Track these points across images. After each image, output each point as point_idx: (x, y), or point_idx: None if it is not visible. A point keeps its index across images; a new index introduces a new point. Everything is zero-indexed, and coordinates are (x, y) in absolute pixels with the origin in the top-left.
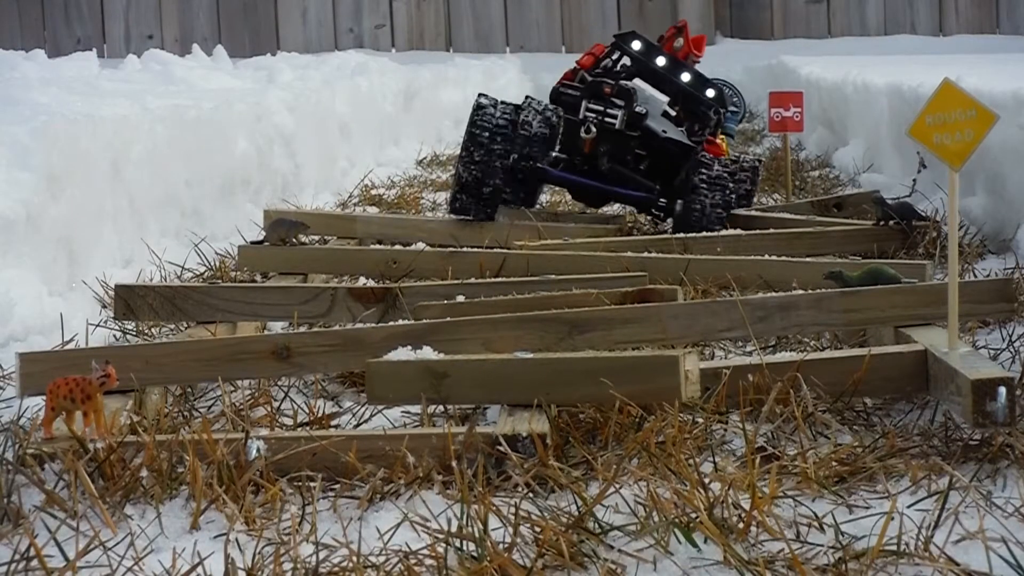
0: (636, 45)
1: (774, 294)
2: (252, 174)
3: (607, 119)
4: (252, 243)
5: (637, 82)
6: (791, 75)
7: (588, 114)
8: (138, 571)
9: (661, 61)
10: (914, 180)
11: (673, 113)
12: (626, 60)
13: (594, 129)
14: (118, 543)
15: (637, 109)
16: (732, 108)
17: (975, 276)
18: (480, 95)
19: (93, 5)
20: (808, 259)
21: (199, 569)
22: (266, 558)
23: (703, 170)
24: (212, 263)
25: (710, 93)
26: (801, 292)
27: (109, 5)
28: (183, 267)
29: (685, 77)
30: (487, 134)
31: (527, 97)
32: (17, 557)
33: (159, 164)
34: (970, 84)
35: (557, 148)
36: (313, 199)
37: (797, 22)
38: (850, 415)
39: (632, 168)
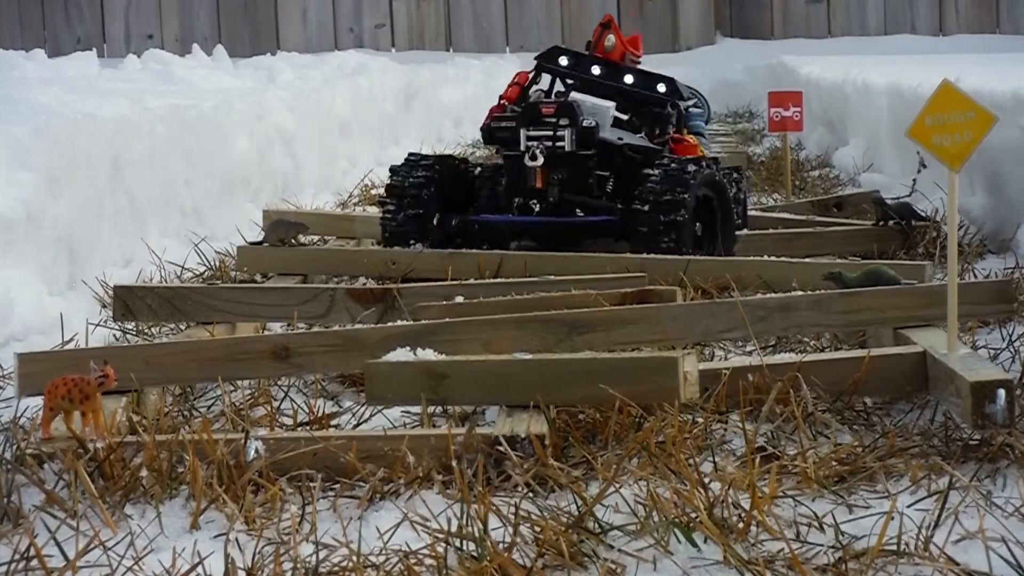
0: (563, 60)
1: (774, 295)
2: (252, 174)
3: (556, 143)
4: (252, 243)
5: (576, 95)
6: (791, 75)
7: (531, 144)
8: (138, 571)
9: (596, 69)
10: (914, 180)
11: (624, 118)
12: (558, 82)
13: (540, 156)
14: (118, 543)
15: (585, 123)
16: (695, 110)
17: (975, 276)
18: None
19: (93, 5)
20: (808, 260)
21: (199, 569)
22: (266, 558)
23: (652, 170)
24: (212, 263)
25: (660, 88)
26: (801, 293)
27: (109, 5)
28: (183, 267)
29: (628, 79)
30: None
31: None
32: (17, 557)
33: (159, 164)
34: (970, 84)
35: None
36: (313, 199)
37: (797, 22)
38: (850, 415)
39: (597, 194)
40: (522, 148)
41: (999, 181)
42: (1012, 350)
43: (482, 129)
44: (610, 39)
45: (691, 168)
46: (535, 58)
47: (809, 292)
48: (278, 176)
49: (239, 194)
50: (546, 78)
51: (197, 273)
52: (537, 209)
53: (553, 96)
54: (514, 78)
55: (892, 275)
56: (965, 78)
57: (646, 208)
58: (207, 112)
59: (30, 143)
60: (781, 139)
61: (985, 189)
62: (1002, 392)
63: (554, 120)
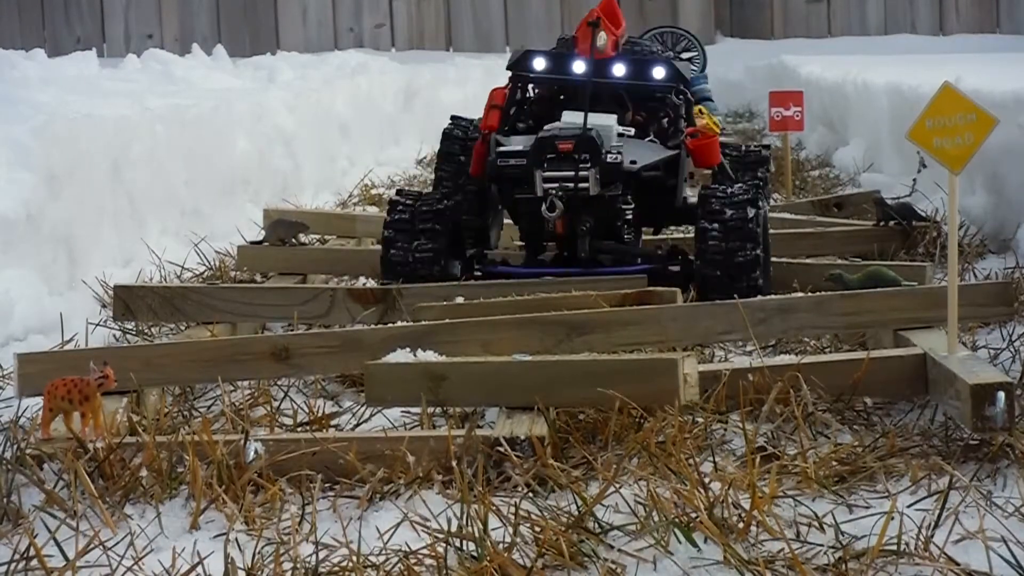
0: (539, 64)
1: (774, 296)
2: (252, 174)
3: (579, 185)
4: (252, 243)
5: (566, 116)
6: (791, 75)
7: (548, 187)
8: (138, 571)
9: (580, 67)
10: (914, 180)
11: (631, 132)
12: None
13: (559, 204)
14: (118, 543)
15: (610, 159)
16: (691, 67)
17: (975, 275)
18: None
19: (93, 5)
20: (808, 260)
21: (199, 569)
22: (266, 558)
23: (709, 204)
24: (212, 263)
25: (659, 73)
26: (801, 295)
27: (109, 5)
28: (183, 267)
29: (619, 70)
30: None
31: (452, 118)
32: (17, 557)
33: (159, 164)
34: (970, 84)
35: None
36: (313, 199)
37: (797, 22)
38: (850, 415)
39: (625, 231)
40: (538, 193)
41: (999, 181)
42: (1012, 350)
43: (488, 164)
44: (601, 38)
45: (752, 213)
46: (507, 67)
47: (809, 294)
48: (278, 176)
49: (239, 194)
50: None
51: (197, 273)
52: (565, 256)
53: (533, 104)
54: (489, 100)
55: (893, 277)
56: (965, 78)
57: (716, 270)
58: (207, 112)
59: (30, 143)
60: (782, 139)
61: (985, 189)
62: (1002, 395)
63: (575, 156)
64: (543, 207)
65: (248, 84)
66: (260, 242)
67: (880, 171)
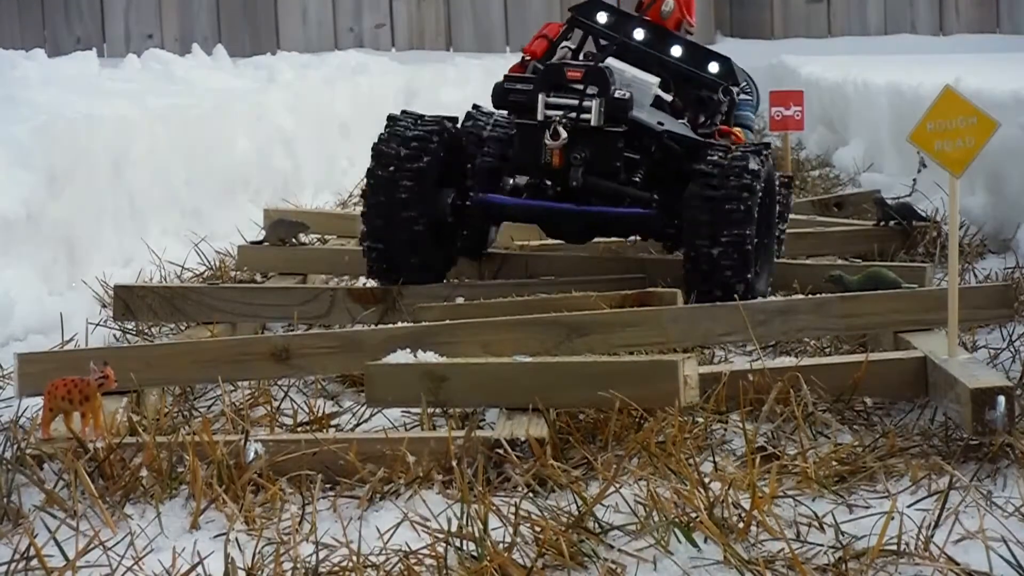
0: (602, 17)
1: (775, 298)
2: (252, 174)
3: (581, 115)
4: (252, 243)
5: (612, 62)
6: (791, 75)
7: (550, 112)
8: (138, 571)
9: (640, 34)
10: (914, 180)
11: (668, 98)
12: (591, 42)
13: (563, 132)
14: (118, 543)
15: (618, 95)
16: (744, 96)
17: (975, 276)
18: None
19: (93, 5)
20: (808, 260)
21: (199, 569)
22: (266, 558)
23: (711, 154)
24: (212, 263)
25: (713, 68)
26: (801, 296)
27: (109, 5)
28: (183, 267)
29: (676, 51)
30: (392, 167)
31: (474, 106)
32: (17, 557)
33: (159, 164)
34: (970, 84)
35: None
36: (313, 199)
37: (797, 22)
38: (850, 415)
39: (624, 180)
40: (539, 117)
41: (999, 181)
42: (1012, 350)
43: (495, 87)
44: (668, 3)
45: (753, 166)
46: (569, 8)
47: (809, 295)
48: (278, 176)
49: (239, 194)
50: (578, 36)
51: (197, 273)
52: (558, 191)
53: (583, 58)
54: (542, 29)
55: (893, 278)
56: (965, 78)
57: (703, 215)
58: (207, 112)
59: (30, 143)
60: (782, 138)
61: (985, 189)
62: (1002, 399)
63: (581, 87)
64: (546, 134)
65: (248, 84)
66: (260, 242)
67: (880, 171)
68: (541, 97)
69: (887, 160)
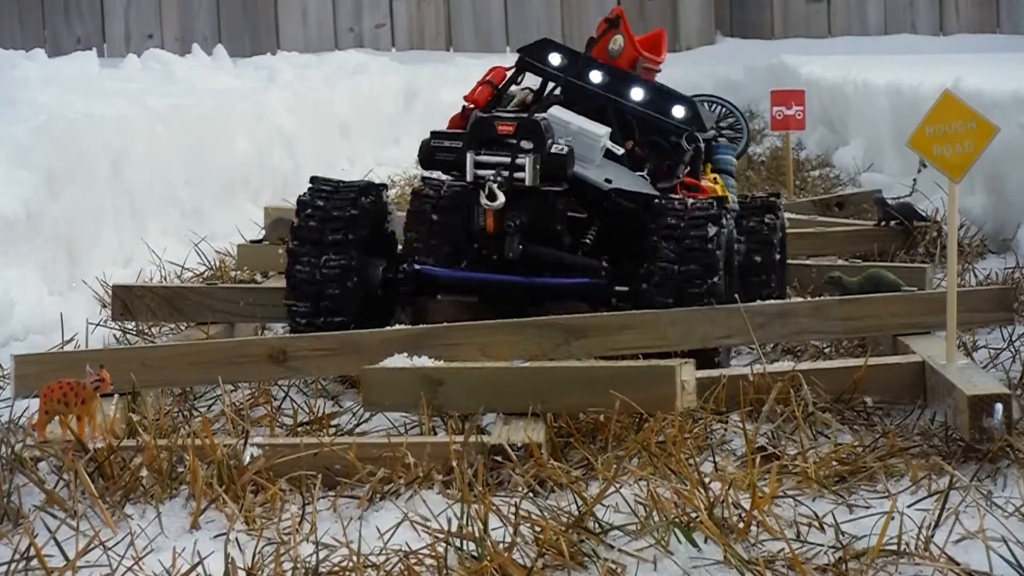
0: (555, 59)
1: (773, 301)
2: (252, 174)
3: (515, 174)
4: (252, 242)
5: (558, 111)
6: (791, 75)
7: (481, 172)
8: (138, 571)
9: (597, 76)
10: (914, 180)
11: (620, 151)
12: (543, 84)
13: (500, 194)
14: (118, 543)
15: (555, 149)
16: (729, 132)
17: (975, 276)
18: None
19: (93, 5)
20: (809, 260)
21: (199, 569)
22: (266, 558)
23: (666, 219)
24: (212, 263)
25: (678, 112)
26: (800, 299)
27: (109, 5)
28: (183, 267)
29: (637, 94)
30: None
31: (423, 178)
32: (17, 557)
33: (159, 164)
34: (970, 84)
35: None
36: None
37: (797, 22)
38: (850, 415)
39: (570, 245)
40: (468, 179)
41: (999, 181)
42: (1012, 350)
43: (422, 145)
44: (616, 40)
45: (712, 232)
46: (517, 50)
47: (808, 299)
48: (278, 176)
49: (239, 194)
50: (534, 79)
51: (197, 273)
52: (496, 260)
53: (538, 103)
54: (487, 74)
55: (893, 280)
56: (965, 78)
57: (667, 298)
58: (207, 112)
59: (30, 143)
60: (783, 138)
61: (985, 189)
62: (999, 407)
63: (513, 142)
64: (482, 195)
65: (248, 84)
66: (260, 242)
67: (880, 171)
68: (470, 156)
69: (887, 160)
